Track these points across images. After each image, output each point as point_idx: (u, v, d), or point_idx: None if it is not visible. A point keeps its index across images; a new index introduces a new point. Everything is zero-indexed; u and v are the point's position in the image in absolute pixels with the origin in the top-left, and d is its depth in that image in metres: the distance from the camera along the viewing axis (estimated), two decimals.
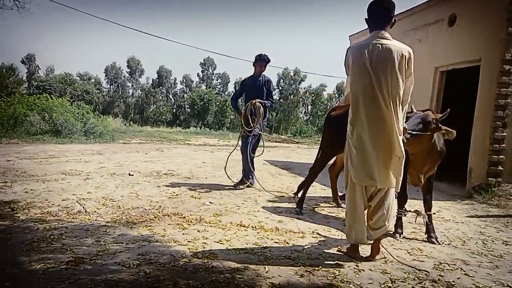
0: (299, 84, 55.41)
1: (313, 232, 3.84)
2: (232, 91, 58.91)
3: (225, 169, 6.41)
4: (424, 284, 2.68)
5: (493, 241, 4.06)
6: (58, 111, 13.50)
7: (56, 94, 24.34)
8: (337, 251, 3.26)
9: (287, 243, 3.42)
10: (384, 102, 2.84)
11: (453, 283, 2.74)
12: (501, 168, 6.53)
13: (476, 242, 3.95)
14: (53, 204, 4.33)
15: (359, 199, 3.02)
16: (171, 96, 55.79)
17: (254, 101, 5.90)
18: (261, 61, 6.08)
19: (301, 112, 57.03)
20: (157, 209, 4.36)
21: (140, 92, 53.66)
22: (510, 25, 6.30)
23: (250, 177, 6.14)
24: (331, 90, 47.44)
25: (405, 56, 2.88)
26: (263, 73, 6.17)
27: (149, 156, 9.72)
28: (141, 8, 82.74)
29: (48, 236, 3.16)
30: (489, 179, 6.53)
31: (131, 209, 4.30)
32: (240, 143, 6.27)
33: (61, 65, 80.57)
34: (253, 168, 6.12)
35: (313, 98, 57.19)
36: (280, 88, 55.35)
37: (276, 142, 20.38)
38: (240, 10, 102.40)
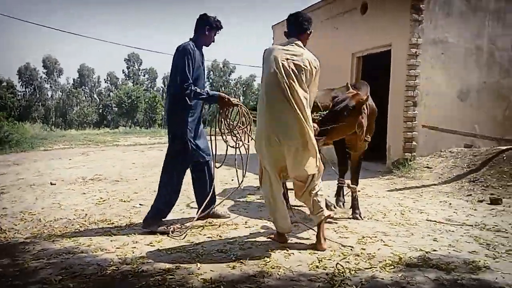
0: (229, 76, 55.48)
1: (245, 222, 3.90)
2: (161, 87, 57.09)
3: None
4: (348, 258, 2.86)
5: (410, 211, 4.45)
6: None
7: None
8: (268, 238, 3.36)
9: (220, 236, 3.44)
10: (289, 102, 2.91)
11: (374, 254, 2.96)
12: (415, 143, 7.13)
13: (395, 214, 4.30)
14: None
15: (276, 188, 3.11)
16: (95, 96, 52.81)
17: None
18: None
19: None
20: (82, 218, 4.14)
21: (61, 93, 50.10)
22: (414, 12, 6.86)
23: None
24: (260, 80, 48.27)
25: (313, 66, 3.02)
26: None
27: (73, 161, 9.15)
28: (55, 3, 76.87)
29: None
30: (405, 154, 7.12)
31: (53, 221, 4.03)
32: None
33: None
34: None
35: (244, 89, 57.70)
36: (211, 80, 55.01)
37: (209, 135, 20.21)
38: (161, 3, 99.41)
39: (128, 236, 3.45)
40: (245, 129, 3.72)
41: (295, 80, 2.94)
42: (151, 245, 3.20)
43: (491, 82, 7.64)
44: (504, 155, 6.19)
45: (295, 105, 2.92)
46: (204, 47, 3.82)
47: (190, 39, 3.75)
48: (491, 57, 7.61)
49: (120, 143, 16.22)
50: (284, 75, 2.93)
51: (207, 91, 3.64)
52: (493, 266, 2.72)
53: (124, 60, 53.18)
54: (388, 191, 5.67)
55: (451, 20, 7.21)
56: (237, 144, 3.72)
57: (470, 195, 5.26)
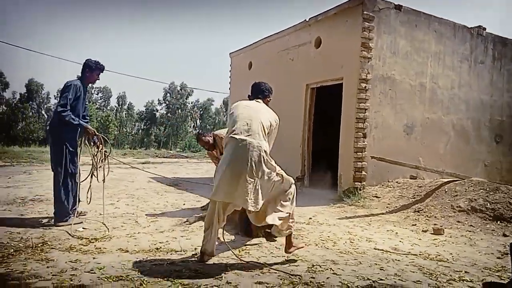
0: (186, 99, 55.17)
1: (195, 249, 3.78)
2: (115, 106, 55.74)
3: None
4: (297, 287, 2.84)
5: (358, 239, 4.54)
6: None
7: None
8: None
9: (168, 263, 3.31)
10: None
11: (323, 283, 2.96)
12: (365, 173, 7.38)
13: (345, 242, 4.36)
14: None
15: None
16: (43, 112, 50.32)
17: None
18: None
19: (190, 126, 56.78)
20: (17, 241, 3.82)
21: (5, 108, 47.25)
22: (364, 49, 7.24)
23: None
24: (218, 105, 48.24)
25: (274, 120, 3.47)
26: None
27: (13, 180, 8.53)
28: (6, 16, 73.51)
29: None
30: (355, 183, 7.33)
31: None
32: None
33: None
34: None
35: (201, 113, 57.52)
36: (167, 102, 54.40)
37: (164, 157, 19.83)
38: (118, 21, 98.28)
39: (67, 262, 3.22)
40: (105, 152, 4.93)
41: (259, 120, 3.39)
42: (92, 272, 2.99)
43: (433, 118, 8.18)
44: (445, 187, 6.55)
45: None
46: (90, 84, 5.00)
47: (78, 77, 4.81)
48: (434, 95, 8.19)
49: None
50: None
51: (79, 120, 4.69)
52: None
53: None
54: (338, 219, 5.77)
55: (397, 59, 7.70)
56: (97, 163, 4.85)
57: (415, 225, 5.48)
